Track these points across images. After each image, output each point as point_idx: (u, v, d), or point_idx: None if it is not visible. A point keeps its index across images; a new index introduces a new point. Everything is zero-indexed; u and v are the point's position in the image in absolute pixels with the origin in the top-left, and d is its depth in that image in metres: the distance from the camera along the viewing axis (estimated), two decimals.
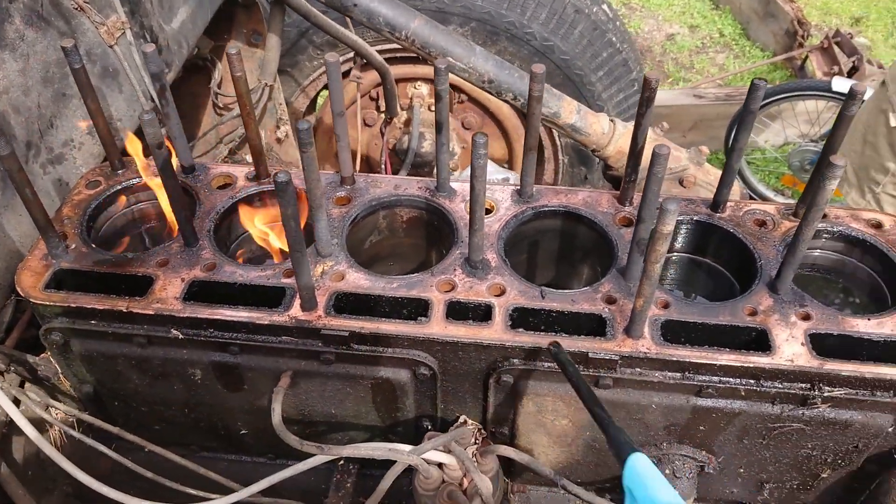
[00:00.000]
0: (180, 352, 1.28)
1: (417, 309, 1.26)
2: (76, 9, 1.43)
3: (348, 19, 2.10)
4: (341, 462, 1.48)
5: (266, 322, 1.22)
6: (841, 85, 3.84)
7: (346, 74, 2.65)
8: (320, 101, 3.22)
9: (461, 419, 1.34)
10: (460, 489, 1.19)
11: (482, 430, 1.33)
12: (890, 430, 1.21)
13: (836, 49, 4.65)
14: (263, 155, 1.41)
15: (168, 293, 1.26)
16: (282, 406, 1.25)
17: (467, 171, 2.34)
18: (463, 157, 3.13)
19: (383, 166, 2.84)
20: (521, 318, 1.24)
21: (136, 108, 1.62)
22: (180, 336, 1.24)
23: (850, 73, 4.54)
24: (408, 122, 3.00)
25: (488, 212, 1.41)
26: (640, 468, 0.83)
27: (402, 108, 3.00)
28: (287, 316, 1.22)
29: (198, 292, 1.28)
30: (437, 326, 1.21)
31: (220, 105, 2.23)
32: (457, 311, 1.24)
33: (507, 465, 1.43)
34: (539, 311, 1.25)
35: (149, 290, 1.26)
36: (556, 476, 1.16)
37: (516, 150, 3.08)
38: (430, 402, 1.32)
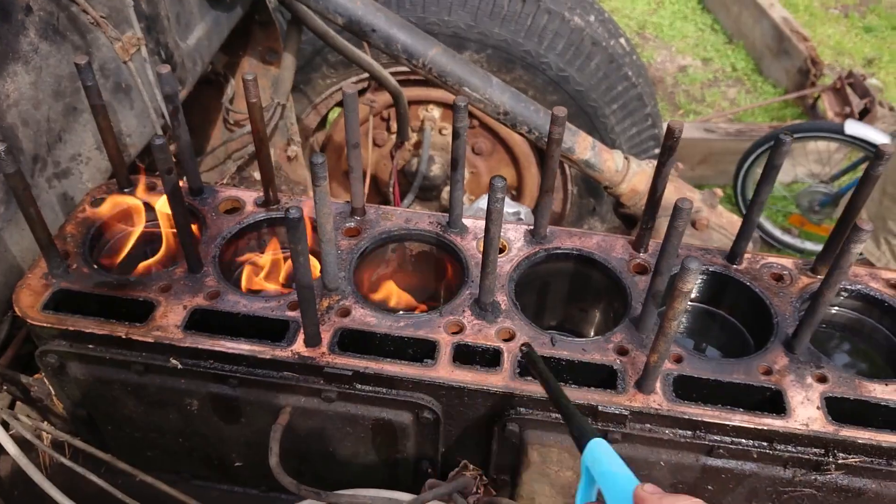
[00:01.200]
0: (178, 381, 1.24)
1: (424, 350, 1.22)
2: (92, 23, 1.41)
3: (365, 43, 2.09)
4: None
5: (268, 356, 1.19)
6: (853, 128, 3.83)
7: (360, 94, 2.63)
8: (331, 117, 3.20)
9: (462, 464, 1.31)
10: None
11: (483, 477, 1.30)
12: None
13: (849, 90, 4.64)
14: (274, 181, 1.38)
15: (169, 320, 1.23)
16: (280, 443, 1.22)
17: (477, 203, 2.32)
18: (471, 181, 3.10)
19: (391, 189, 2.81)
20: None
21: (147, 125, 1.59)
22: (179, 366, 1.21)
23: (862, 115, 4.53)
24: (418, 145, 2.98)
25: (501, 251, 1.38)
26: (599, 450, 0.87)
27: (414, 131, 2.98)
28: (290, 351, 1.19)
29: (199, 321, 1.25)
30: (444, 370, 1.18)
31: (232, 121, 2.21)
32: (464, 355, 1.21)
33: None
34: (548, 359, 1.21)
35: (149, 317, 1.23)
36: None
37: (525, 177, 3.06)
38: (432, 446, 1.28)
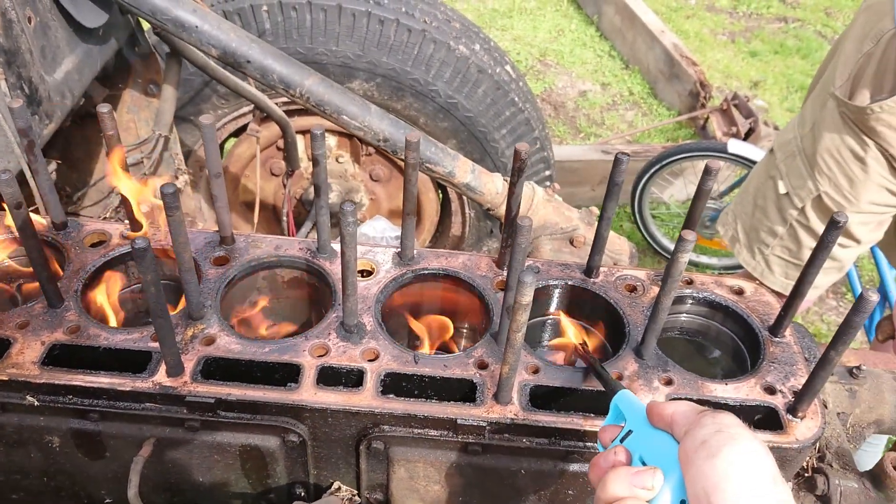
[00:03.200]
0: (37, 419, 1.22)
1: (290, 374, 1.24)
2: None
3: None
4: None
5: (128, 388, 1.18)
6: (735, 147, 4.06)
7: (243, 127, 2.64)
8: (228, 147, 3.19)
9: (335, 486, 1.32)
10: None
11: (356, 497, 1.32)
12: None
13: (735, 111, 4.92)
14: (138, 212, 1.38)
15: (26, 357, 1.21)
16: (148, 474, 1.21)
17: (360, 228, 2.36)
18: (371, 208, 3.14)
19: (286, 219, 2.82)
20: (394, 384, 1.24)
21: (11, 160, 1.56)
22: (36, 403, 1.19)
23: (748, 134, 4.81)
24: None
25: (368, 274, 1.42)
26: (628, 396, 1.06)
27: (310, 159, 3.00)
28: (151, 382, 1.19)
29: (59, 356, 1.23)
30: (307, 393, 1.20)
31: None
32: (328, 377, 1.24)
33: None
34: (412, 377, 1.25)
35: (5, 354, 1.21)
36: None
37: (423, 202, 3.12)
38: (302, 469, 1.29)
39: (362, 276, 1.41)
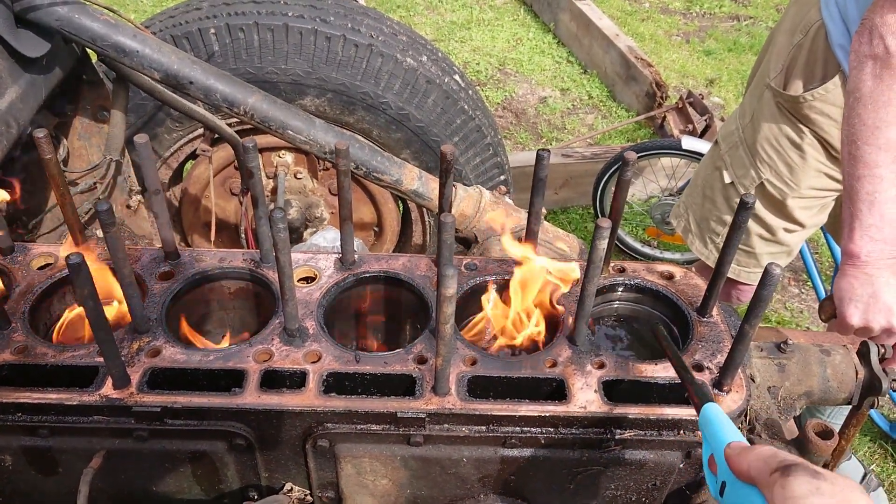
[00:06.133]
0: None
1: (235, 380, 1.28)
2: None
3: None
4: None
5: (75, 402, 1.22)
6: (688, 143, 4.16)
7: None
8: (187, 169, 3.22)
9: (287, 487, 1.36)
10: None
11: (308, 497, 1.35)
12: (681, 465, 1.31)
13: (690, 109, 5.03)
14: (81, 234, 1.42)
15: None
16: (103, 487, 1.24)
17: (311, 239, 2.40)
18: (332, 222, 3.18)
19: (244, 236, 2.85)
20: (336, 383, 1.28)
21: None
22: None
23: (704, 131, 4.91)
24: (274, 190, 3.04)
25: (311, 280, 1.46)
26: (709, 413, 0.98)
27: (269, 177, 3.04)
28: (97, 395, 1.22)
29: (7, 376, 1.26)
30: (251, 396, 1.24)
31: (67, 181, 2.21)
32: (272, 380, 1.28)
33: None
34: (353, 375, 1.30)
35: None
36: None
37: (384, 213, 3.17)
38: (253, 473, 1.33)
39: (305, 283, 1.46)
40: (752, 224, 2.66)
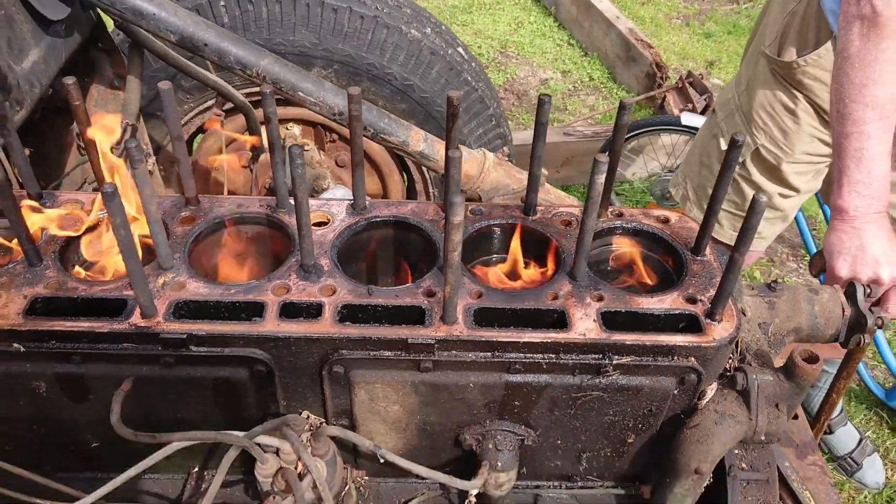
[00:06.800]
0: (23, 365, 1.33)
1: (254, 311, 1.36)
2: None
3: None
4: (195, 469, 1.55)
5: (106, 330, 1.30)
6: (689, 119, 4.23)
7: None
8: (196, 144, 3.30)
9: (304, 415, 1.44)
10: (295, 472, 1.28)
11: (323, 424, 1.43)
12: (675, 392, 1.39)
13: (690, 88, 5.09)
14: (105, 180, 1.50)
15: (10, 310, 1.32)
16: (129, 412, 1.33)
17: (326, 193, 2.48)
18: None
19: None
20: (350, 314, 1.36)
21: None
22: (21, 349, 1.30)
23: (704, 110, 4.98)
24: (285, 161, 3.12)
25: (324, 224, 1.54)
26: None
27: None
28: (127, 323, 1.30)
29: (41, 308, 1.34)
30: (271, 324, 1.32)
31: (84, 145, 2.28)
32: (290, 311, 1.35)
33: (356, 457, 1.54)
34: (367, 307, 1.37)
35: None
36: (375, 447, 1.27)
37: (388, 184, 3.24)
38: (272, 399, 1.41)
39: (319, 226, 1.53)
40: (747, 189, 2.73)
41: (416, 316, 1.36)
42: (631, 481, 1.60)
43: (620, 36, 5.86)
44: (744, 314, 1.52)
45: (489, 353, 1.34)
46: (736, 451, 1.50)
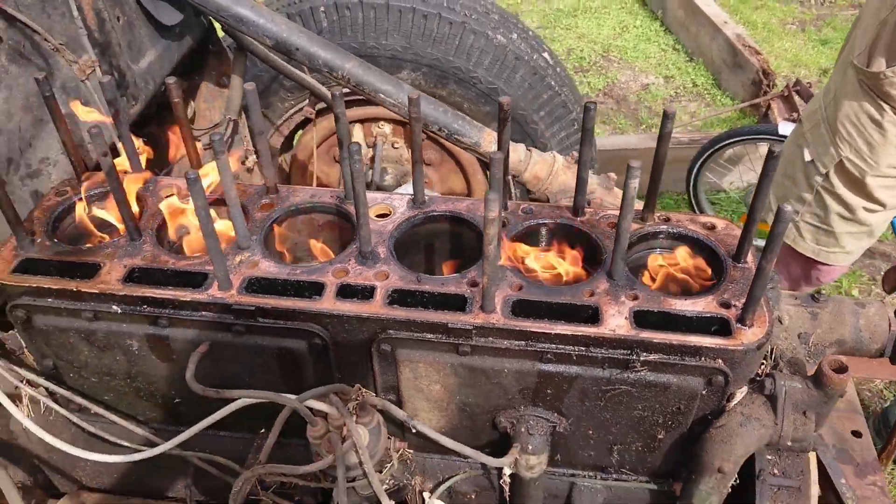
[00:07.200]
0: (120, 325, 1.54)
1: (316, 290, 1.52)
2: (53, 49, 1.75)
3: None
4: (262, 431, 1.73)
5: (188, 299, 1.49)
6: (787, 129, 4.11)
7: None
8: (297, 139, 3.54)
9: (356, 387, 1.59)
10: (339, 435, 1.43)
11: (373, 395, 1.58)
12: (703, 392, 1.44)
13: (796, 97, 4.93)
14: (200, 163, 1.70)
15: (112, 277, 1.53)
16: (206, 376, 1.52)
17: (398, 189, 2.63)
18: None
19: None
20: (400, 298, 1.50)
21: (105, 132, 1.92)
22: (119, 311, 1.51)
23: None
24: (373, 159, 3.31)
25: (385, 215, 1.68)
26: None
27: (368, 146, 3.31)
28: (205, 294, 1.49)
29: (137, 276, 1.55)
30: (328, 303, 1.47)
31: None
32: (346, 292, 1.50)
33: (404, 432, 1.67)
34: (415, 293, 1.50)
35: (96, 275, 1.54)
36: (407, 417, 1.40)
37: (472, 184, 3.37)
38: (328, 372, 1.57)
39: (381, 218, 1.68)
40: (830, 202, 2.68)
41: (458, 303, 1.48)
42: (664, 478, 1.66)
43: (727, 41, 5.74)
44: (780, 322, 1.54)
45: (523, 342, 1.44)
46: (768, 457, 1.54)
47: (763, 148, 4.50)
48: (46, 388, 1.67)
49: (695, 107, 5.76)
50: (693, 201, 4.60)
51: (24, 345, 1.66)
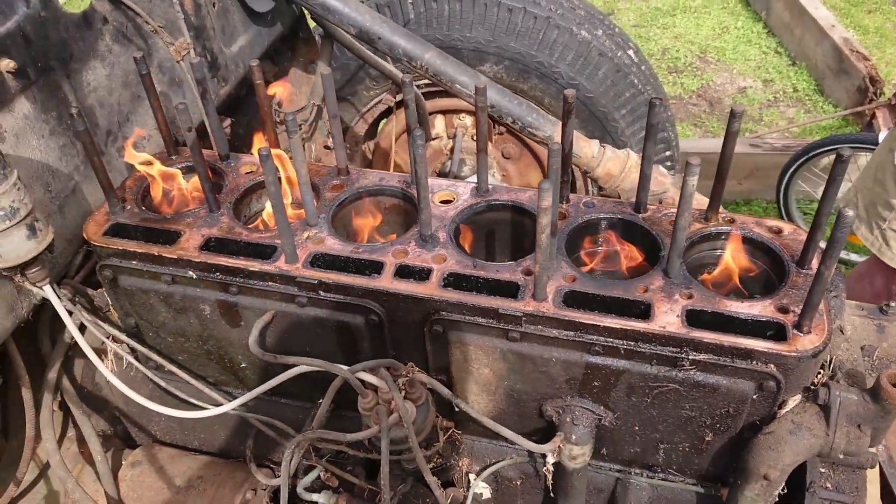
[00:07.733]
0: (195, 290, 1.65)
1: (375, 269, 1.58)
2: (153, 31, 1.88)
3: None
4: (320, 401, 1.81)
5: (257, 269, 1.58)
6: None
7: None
8: (380, 127, 3.63)
9: (409, 365, 1.64)
10: (386, 408, 1.49)
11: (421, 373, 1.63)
12: (754, 397, 1.42)
13: None
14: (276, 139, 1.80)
15: (190, 244, 1.64)
16: (271, 344, 1.61)
17: (472, 178, 2.66)
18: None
19: None
20: (455, 282, 1.54)
21: (196, 111, 2.05)
22: (194, 276, 1.62)
23: None
24: (452, 149, 3.36)
25: (449, 202, 1.73)
26: None
27: (449, 137, 3.37)
28: (273, 265, 1.58)
29: (213, 246, 1.66)
30: (385, 281, 1.53)
31: (279, 120, 2.66)
32: (403, 272, 1.56)
33: (451, 413, 1.72)
34: (470, 277, 1.54)
35: (176, 242, 1.65)
36: (451, 395, 1.44)
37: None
38: (383, 349, 1.63)
39: (445, 203, 1.72)
40: None
41: (511, 290, 1.51)
42: (711, 482, 1.64)
43: (833, 46, 5.48)
44: (841, 331, 1.50)
45: (572, 333, 1.45)
46: (822, 470, 1.50)
47: (862, 159, 4.29)
48: (128, 345, 1.81)
49: (793, 112, 5.54)
50: (782, 209, 4.43)
51: (110, 303, 1.80)
